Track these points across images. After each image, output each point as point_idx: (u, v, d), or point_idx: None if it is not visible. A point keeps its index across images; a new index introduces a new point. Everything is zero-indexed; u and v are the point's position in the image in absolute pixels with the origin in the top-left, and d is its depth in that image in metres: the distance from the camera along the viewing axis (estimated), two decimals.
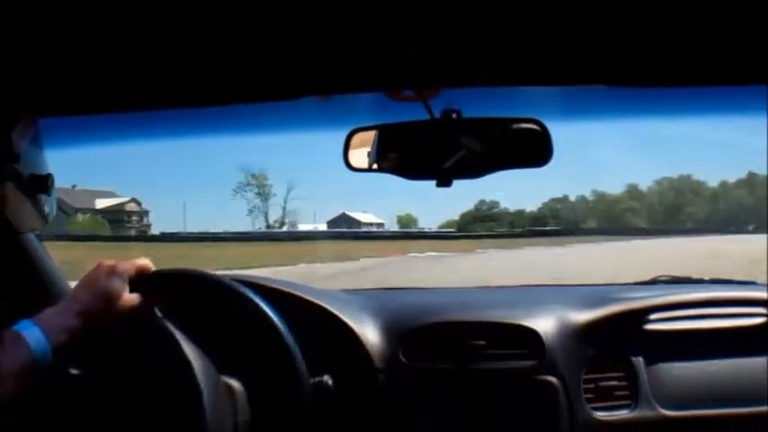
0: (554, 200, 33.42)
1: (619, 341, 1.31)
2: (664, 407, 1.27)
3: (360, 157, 1.14)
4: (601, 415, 1.26)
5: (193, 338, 0.94)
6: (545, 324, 1.29)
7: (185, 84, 0.98)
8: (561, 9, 0.77)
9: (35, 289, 1.22)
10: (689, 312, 1.35)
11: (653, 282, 1.66)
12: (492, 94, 1.06)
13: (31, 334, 0.84)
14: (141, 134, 1.32)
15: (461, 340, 1.27)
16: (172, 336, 0.90)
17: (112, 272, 0.92)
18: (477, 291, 1.73)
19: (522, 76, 0.94)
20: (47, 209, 1.16)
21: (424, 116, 1.05)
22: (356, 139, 1.12)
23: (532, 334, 1.27)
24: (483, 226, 26.50)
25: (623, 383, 1.28)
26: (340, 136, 1.12)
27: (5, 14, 0.74)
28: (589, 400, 1.26)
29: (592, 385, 1.27)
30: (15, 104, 1.00)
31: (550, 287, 1.73)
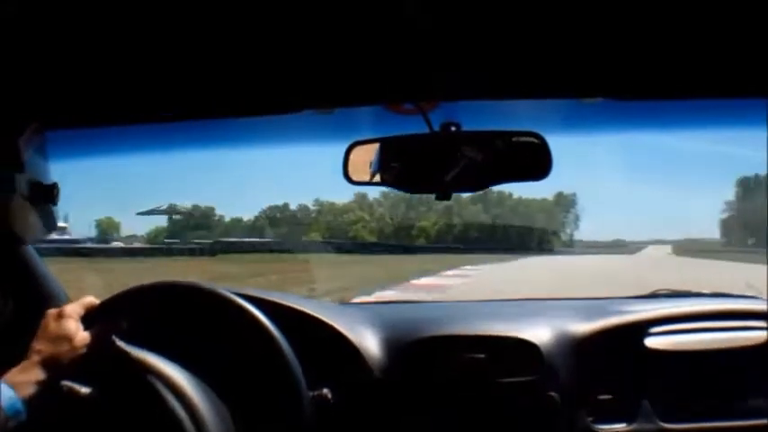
0: (273, 207, 27.62)
1: (618, 353, 1.31)
2: (663, 419, 1.26)
3: (360, 170, 1.14)
4: (600, 428, 1.25)
5: (183, 353, 0.94)
6: (544, 337, 1.28)
7: (185, 97, 0.98)
8: (560, 22, 0.77)
9: (34, 302, 1.21)
10: (689, 325, 1.35)
11: (653, 295, 1.66)
12: (492, 107, 1.07)
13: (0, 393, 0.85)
14: (143, 147, 1.33)
15: (461, 354, 1.26)
16: (135, 361, 0.91)
17: (61, 316, 0.94)
18: (475, 304, 1.72)
19: (522, 89, 0.95)
20: (52, 219, 1.16)
21: (424, 129, 1.06)
22: (357, 151, 1.12)
23: (532, 347, 1.26)
24: (194, 235, 22.60)
25: (623, 396, 1.28)
26: (340, 149, 1.13)
27: (11, 27, 0.75)
28: (589, 413, 1.26)
29: (591, 398, 1.27)
30: (20, 114, 1.00)
31: (549, 300, 1.72)
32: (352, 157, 1.13)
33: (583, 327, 1.32)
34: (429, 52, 0.84)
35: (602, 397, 1.27)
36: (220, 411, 0.94)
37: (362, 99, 1.01)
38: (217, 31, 0.79)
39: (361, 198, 28.23)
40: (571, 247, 28.71)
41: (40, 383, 0.88)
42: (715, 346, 1.32)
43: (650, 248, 28.76)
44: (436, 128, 1.07)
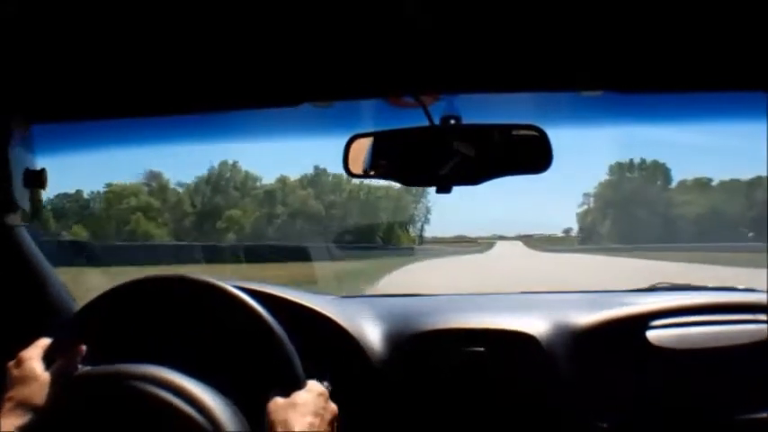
0: (61, 195, 21.92)
1: (619, 346, 1.31)
2: (666, 413, 1.26)
3: (360, 163, 1.14)
4: (600, 422, 1.25)
5: (173, 350, 0.94)
6: (544, 330, 1.28)
7: (184, 90, 0.98)
8: (560, 15, 0.77)
9: (37, 300, 1.22)
10: (690, 318, 1.35)
11: (653, 288, 1.66)
12: (491, 100, 1.07)
13: None
14: (143, 139, 1.33)
15: (460, 347, 1.26)
16: (107, 376, 0.91)
17: (21, 362, 0.95)
18: (475, 297, 1.72)
19: (522, 82, 0.95)
20: (38, 204, 1.17)
21: (425, 122, 1.06)
22: (357, 145, 1.12)
23: (532, 340, 1.26)
24: None
25: (624, 390, 1.28)
26: (340, 142, 1.13)
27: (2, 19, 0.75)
28: (590, 407, 1.26)
29: (592, 391, 1.27)
30: (8, 108, 1.00)
31: (550, 293, 1.72)
32: (352, 149, 1.13)
33: (583, 319, 1.32)
34: (429, 46, 0.84)
35: (603, 391, 1.27)
36: (221, 399, 0.94)
37: (362, 92, 1.01)
38: (215, 24, 0.79)
39: (154, 177, 22.24)
40: (422, 243, 24.12)
41: (22, 428, 0.89)
42: (717, 339, 1.32)
43: (500, 245, 26.75)
44: (436, 121, 1.07)
